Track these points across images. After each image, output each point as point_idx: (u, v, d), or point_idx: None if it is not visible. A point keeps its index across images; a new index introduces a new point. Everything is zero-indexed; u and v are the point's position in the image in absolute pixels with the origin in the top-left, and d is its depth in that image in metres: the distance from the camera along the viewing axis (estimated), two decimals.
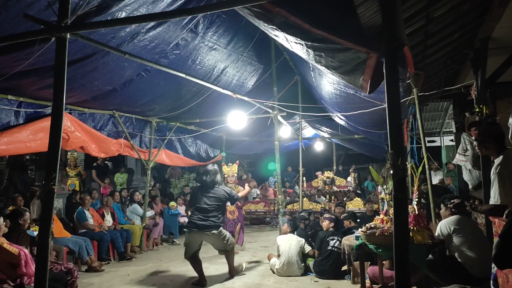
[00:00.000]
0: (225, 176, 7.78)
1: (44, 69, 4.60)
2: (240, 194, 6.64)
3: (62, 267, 5.00)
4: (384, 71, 2.29)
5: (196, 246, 5.73)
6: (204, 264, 5.94)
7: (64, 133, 6.04)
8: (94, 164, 10.49)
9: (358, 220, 6.57)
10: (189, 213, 5.98)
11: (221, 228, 5.70)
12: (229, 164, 8.13)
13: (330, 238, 5.80)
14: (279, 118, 7.94)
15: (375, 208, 8.32)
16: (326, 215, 6.38)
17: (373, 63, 2.59)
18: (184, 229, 5.91)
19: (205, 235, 5.61)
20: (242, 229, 7.84)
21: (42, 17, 3.53)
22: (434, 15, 4.39)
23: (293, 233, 6.33)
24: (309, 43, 2.74)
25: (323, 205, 10.35)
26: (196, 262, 5.72)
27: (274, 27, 2.81)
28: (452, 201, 4.57)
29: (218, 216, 5.70)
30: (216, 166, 6.04)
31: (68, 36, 3.03)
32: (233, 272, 5.95)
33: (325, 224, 6.11)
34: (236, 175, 7.95)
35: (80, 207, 7.17)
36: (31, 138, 5.55)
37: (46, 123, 5.37)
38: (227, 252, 5.85)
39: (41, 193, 2.85)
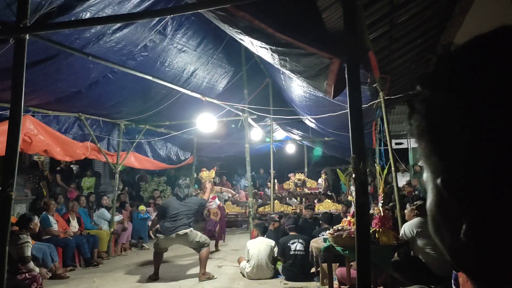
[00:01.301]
0: (203, 181, 7.85)
1: (4, 71, 4.42)
2: (205, 196, 7.07)
3: (27, 275, 4.89)
4: (346, 76, 2.32)
5: (165, 249, 6.17)
6: (176, 268, 5.95)
7: (27, 136, 5.84)
8: (58, 168, 10.16)
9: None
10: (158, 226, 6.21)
11: (191, 228, 6.02)
12: (203, 169, 8.15)
13: (291, 242, 5.82)
14: (250, 120, 7.95)
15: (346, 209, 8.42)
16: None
17: (336, 68, 2.62)
18: (157, 235, 6.12)
19: (177, 236, 5.86)
20: (222, 228, 8.37)
21: (0, 17, 3.42)
22: (397, 21, 4.50)
23: (264, 236, 6.34)
24: (274, 47, 2.75)
25: (294, 207, 10.40)
26: (158, 257, 6.10)
27: (239, 31, 2.81)
28: (415, 203, 4.68)
29: (189, 220, 6.04)
30: (187, 180, 6.35)
31: (27, 38, 2.93)
32: (203, 275, 5.91)
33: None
34: (213, 180, 8.21)
35: (44, 212, 6.93)
36: None
37: (6, 126, 5.18)
38: (202, 250, 5.98)
39: None
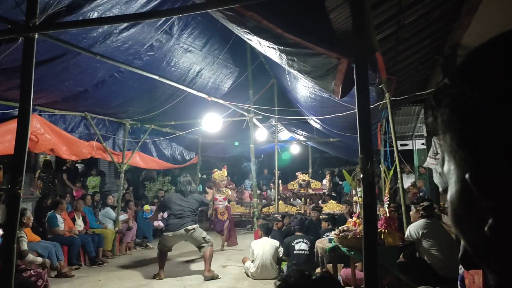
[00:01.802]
0: (217, 182, 8.06)
1: (12, 69, 4.46)
2: (208, 198, 7.33)
3: (32, 272, 4.94)
4: (354, 76, 2.32)
5: (170, 248, 6.25)
6: (180, 267, 5.98)
7: (33, 135, 5.88)
8: (64, 167, 10.22)
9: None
10: (161, 224, 6.34)
11: (198, 225, 6.16)
12: (215, 170, 8.29)
13: (295, 242, 5.82)
14: (255, 121, 7.95)
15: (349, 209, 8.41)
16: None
17: (344, 68, 2.62)
18: (164, 233, 6.22)
19: (185, 233, 5.96)
20: (231, 227, 8.45)
21: (10, 16, 3.44)
22: (404, 22, 4.49)
23: (268, 236, 6.34)
24: (282, 47, 2.75)
25: (298, 208, 10.39)
26: (162, 256, 6.16)
27: (247, 31, 2.82)
28: (421, 204, 4.67)
29: (193, 216, 6.18)
30: (188, 177, 6.46)
31: (36, 36, 2.96)
32: (208, 272, 5.94)
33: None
34: (226, 179, 8.45)
35: (52, 211, 6.96)
36: None
37: (14, 125, 5.21)
38: (207, 249, 6.02)
39: (6, 198, 2.76)
